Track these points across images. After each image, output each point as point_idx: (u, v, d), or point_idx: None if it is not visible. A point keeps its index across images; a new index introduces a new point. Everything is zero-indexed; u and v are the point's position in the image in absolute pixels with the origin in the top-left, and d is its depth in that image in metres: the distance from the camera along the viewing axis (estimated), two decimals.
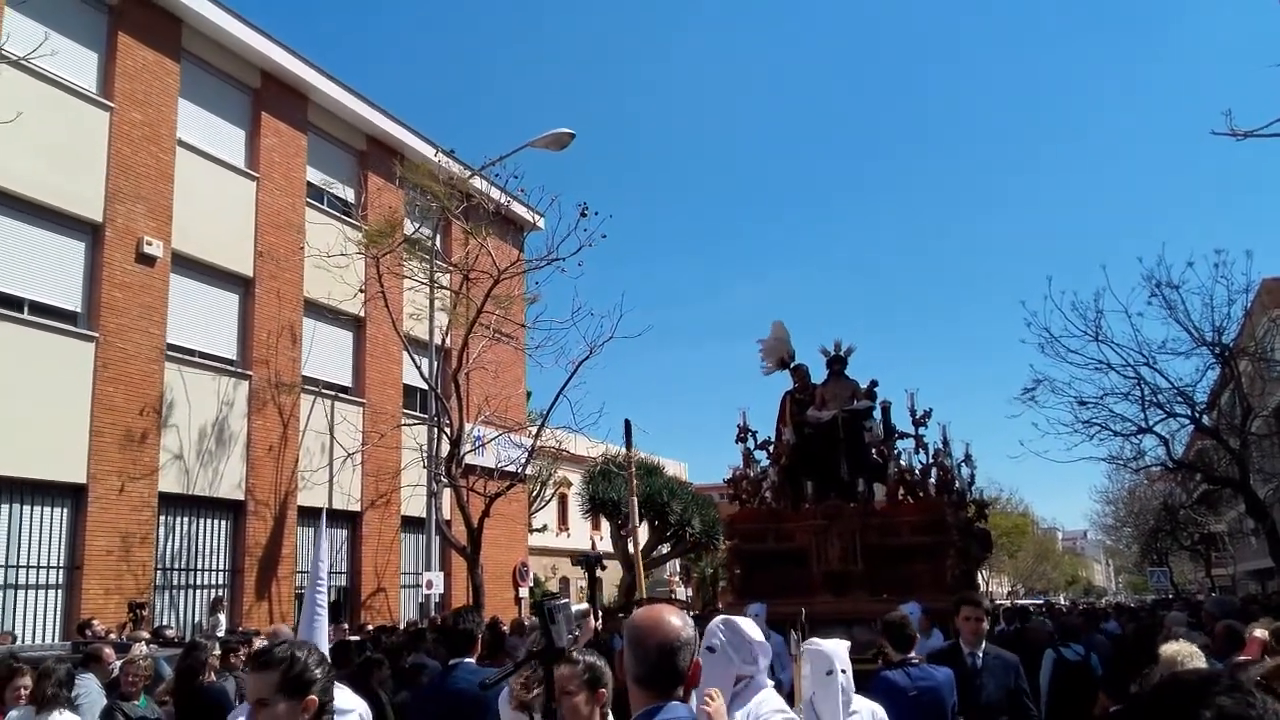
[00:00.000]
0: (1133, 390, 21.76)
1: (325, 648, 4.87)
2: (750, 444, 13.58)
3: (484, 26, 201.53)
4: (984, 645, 6.41)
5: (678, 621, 2.62)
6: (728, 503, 14.34)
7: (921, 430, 12.91)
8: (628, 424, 7.85)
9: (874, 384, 13.39)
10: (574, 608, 3.22)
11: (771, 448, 13.66)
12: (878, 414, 13.32)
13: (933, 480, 12.77)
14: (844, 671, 4.34)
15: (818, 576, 11.89)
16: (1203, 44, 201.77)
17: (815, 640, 4.54)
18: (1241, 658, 5.73)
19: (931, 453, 12.89)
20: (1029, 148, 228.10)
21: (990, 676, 6.24)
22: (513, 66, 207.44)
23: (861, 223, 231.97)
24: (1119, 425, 22.52)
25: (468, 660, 5.31)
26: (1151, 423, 22.39)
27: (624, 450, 29.16)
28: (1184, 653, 4.91)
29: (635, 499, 7.44)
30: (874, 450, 13.03)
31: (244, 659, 10.62)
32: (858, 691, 4.50)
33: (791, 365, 14.12)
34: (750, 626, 3.87)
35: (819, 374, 13.76)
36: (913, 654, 5.93)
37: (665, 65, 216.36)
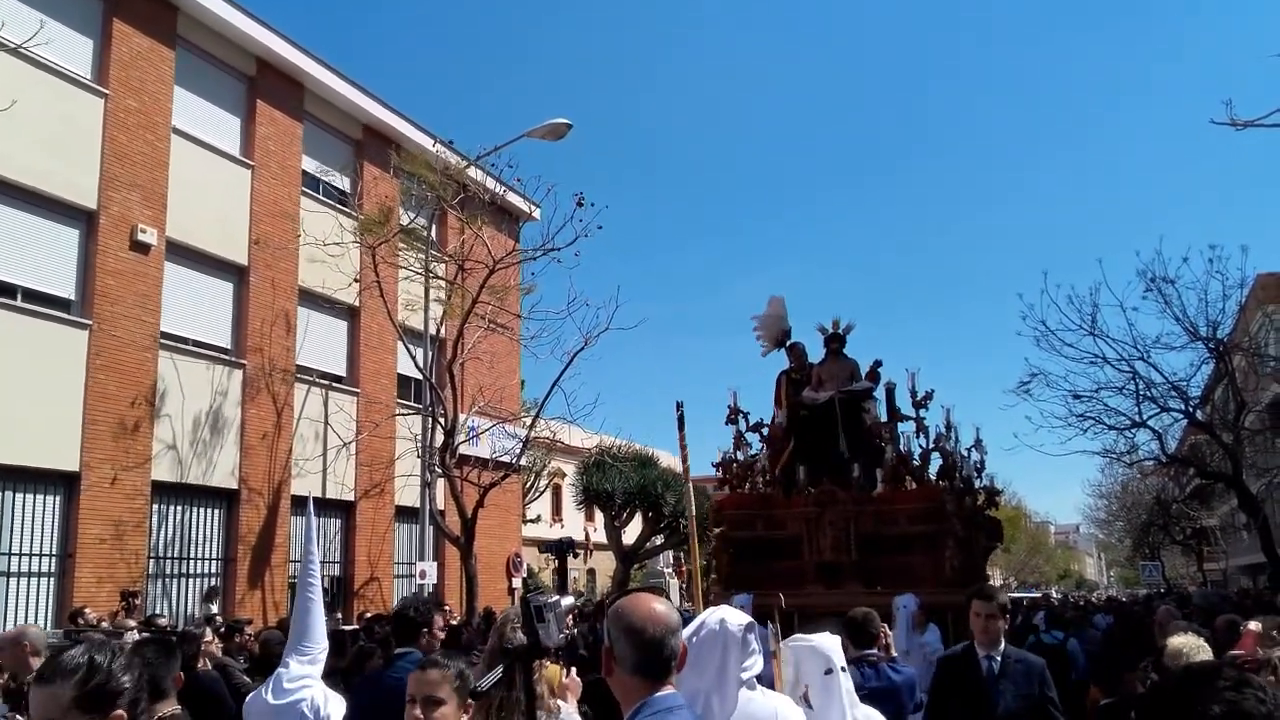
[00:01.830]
0: (1127, 384, 21.82)
1: (322, 634, 4.80)
2: (741, 426, 12.90)
3: (482, 17, 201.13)
4: (1003, 647, 5.61)
5: (663, 608, 2.65)
6: (719, 490, 13.59)
7: (922, 413, 12.21)
8: (679, 405, 7.32)
9: (878, 364, 12.71)
10: (564, 602, 3.04)
11: (764, 430, 13.00)
12: (881, 395, 12.64)
13: (933, 466, 12.16)
14: (844, 669, 3.96)
15: (809, 566, 11.36)
16: (1202, 38, 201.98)
17: (802, 635, 4.12)
18: (1235, 652, 5.74)
19: (933, 437, 12.22)
20: (1028, 144, 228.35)
21: (1009, 683, 5.46)
22: (510, 57, 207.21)
23: (861, 219, 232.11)
24: (1113, 419, 22.59)
25: (415, 652, 5.03)
26: (1145, 417, 22.46)
27: (618, 440, 29.15)
28: (1190, 645, 4.91)
29: (691, 485, 6.97)
30: (875, 434, 12.35)
31: (248, 641, 10.67)
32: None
33: (787, 344, 13.41)
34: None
35: (817, 355, 13.09)
36: (873, 651, 5.69)
37: (665, 59, 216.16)
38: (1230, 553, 49.54)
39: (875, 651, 5.72)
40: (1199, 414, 23.22)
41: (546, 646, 2.87)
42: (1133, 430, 23.13)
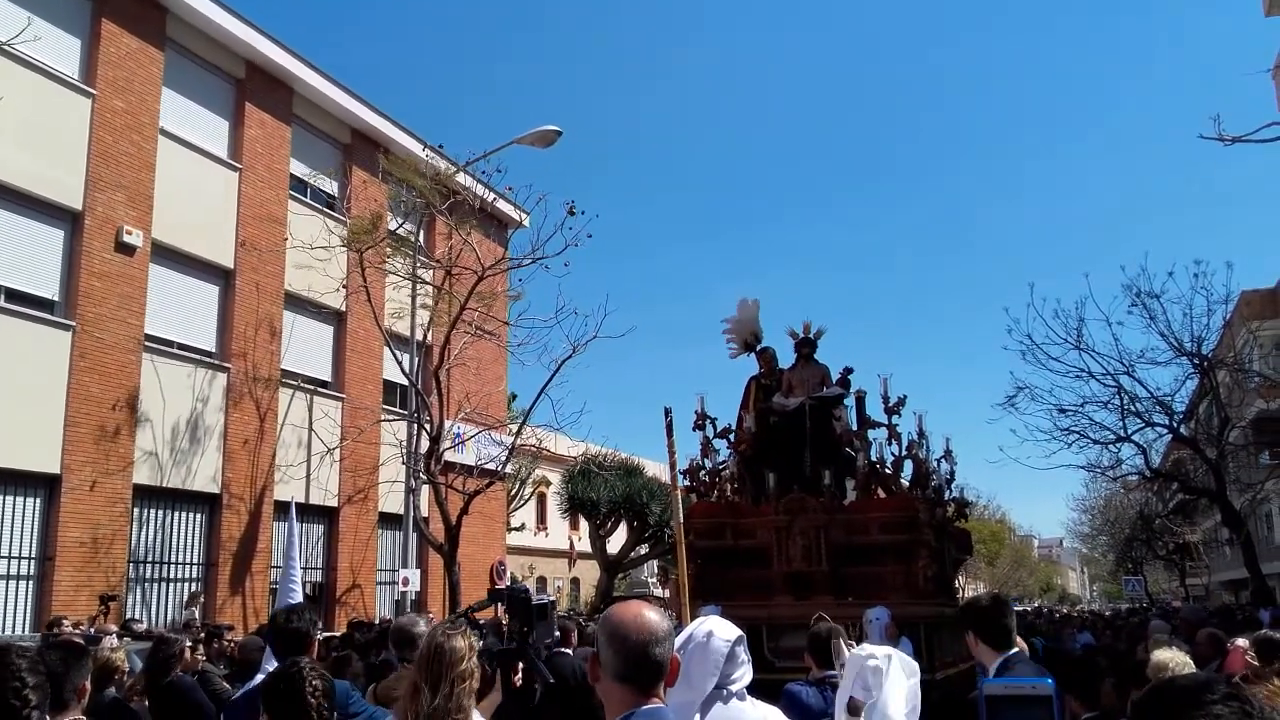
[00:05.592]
0: (1112, 399, 21.94)
1: None
2: (709, 432, 12.55)
3: (473, 21, 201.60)
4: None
5: (653, 616, 2.55)
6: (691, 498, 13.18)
7: (895, 419, 11.88)
8: (667, 411, 6.99)
9: (848, 371, 12.44)
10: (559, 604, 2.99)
11: (732, 436, 12.63)
12: (851, 403, 12.35)
13: (905, 474, 11.88)
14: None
15: (778, 577, 11.07)
16: (1191, 52, 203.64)
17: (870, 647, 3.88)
18: (1228, 671, 5.72)
19: (905, 444, 11.91)
20: (1015, 154, 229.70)
21: None
22: (501, 63, 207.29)
23: (852, 225, 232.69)
24: (1098, 433, 22.73)
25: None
26: (1130, 431, 22.60)
27: (605, 449, 29.08)
28: (1176, 660, 4.89)
29: (679, 492, 6.64)
30: (845, 442, 12.03)
31: (226, 647, 10.57)
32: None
33: (758, 348, 13.15)
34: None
35: (788, 360, 12.75)
36: (837, 673, 4.90)
37: (662, 64, 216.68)
38: (1213, 568, 49.73)
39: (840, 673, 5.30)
40: (1183, 429, 23.32)
41: (535, 644, 2.83)
42: (1117, 445, 23.29)
